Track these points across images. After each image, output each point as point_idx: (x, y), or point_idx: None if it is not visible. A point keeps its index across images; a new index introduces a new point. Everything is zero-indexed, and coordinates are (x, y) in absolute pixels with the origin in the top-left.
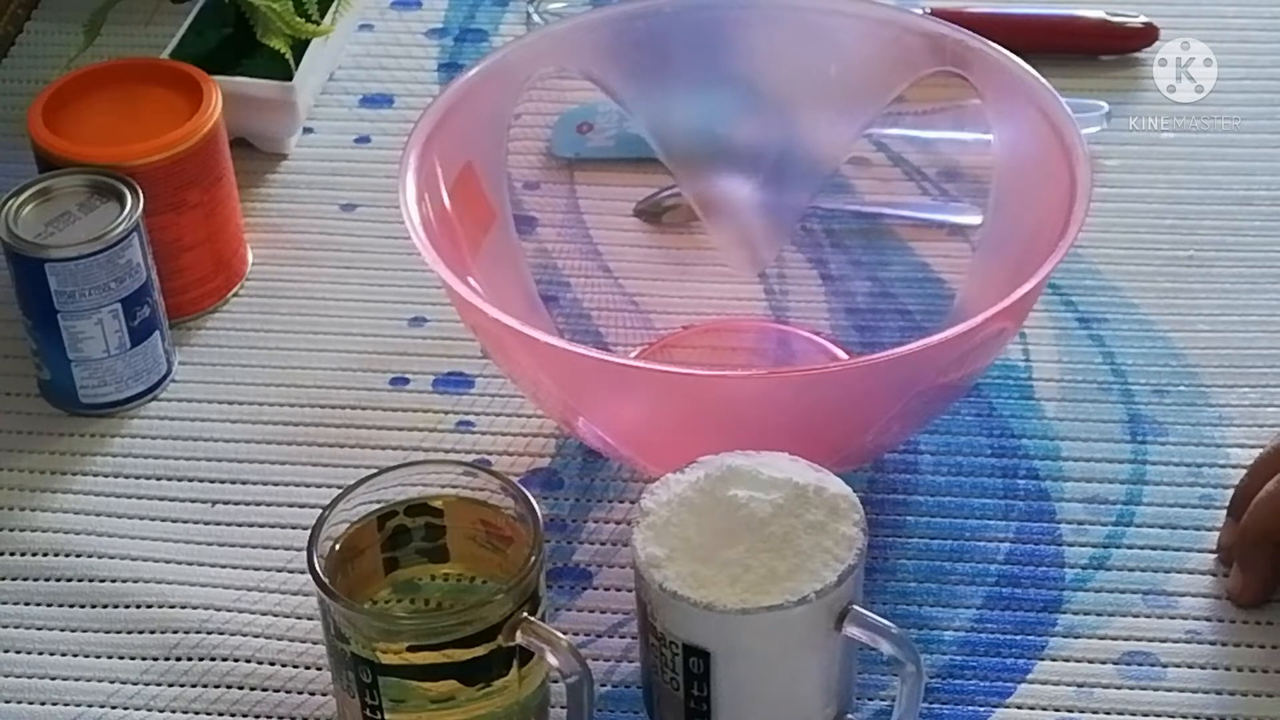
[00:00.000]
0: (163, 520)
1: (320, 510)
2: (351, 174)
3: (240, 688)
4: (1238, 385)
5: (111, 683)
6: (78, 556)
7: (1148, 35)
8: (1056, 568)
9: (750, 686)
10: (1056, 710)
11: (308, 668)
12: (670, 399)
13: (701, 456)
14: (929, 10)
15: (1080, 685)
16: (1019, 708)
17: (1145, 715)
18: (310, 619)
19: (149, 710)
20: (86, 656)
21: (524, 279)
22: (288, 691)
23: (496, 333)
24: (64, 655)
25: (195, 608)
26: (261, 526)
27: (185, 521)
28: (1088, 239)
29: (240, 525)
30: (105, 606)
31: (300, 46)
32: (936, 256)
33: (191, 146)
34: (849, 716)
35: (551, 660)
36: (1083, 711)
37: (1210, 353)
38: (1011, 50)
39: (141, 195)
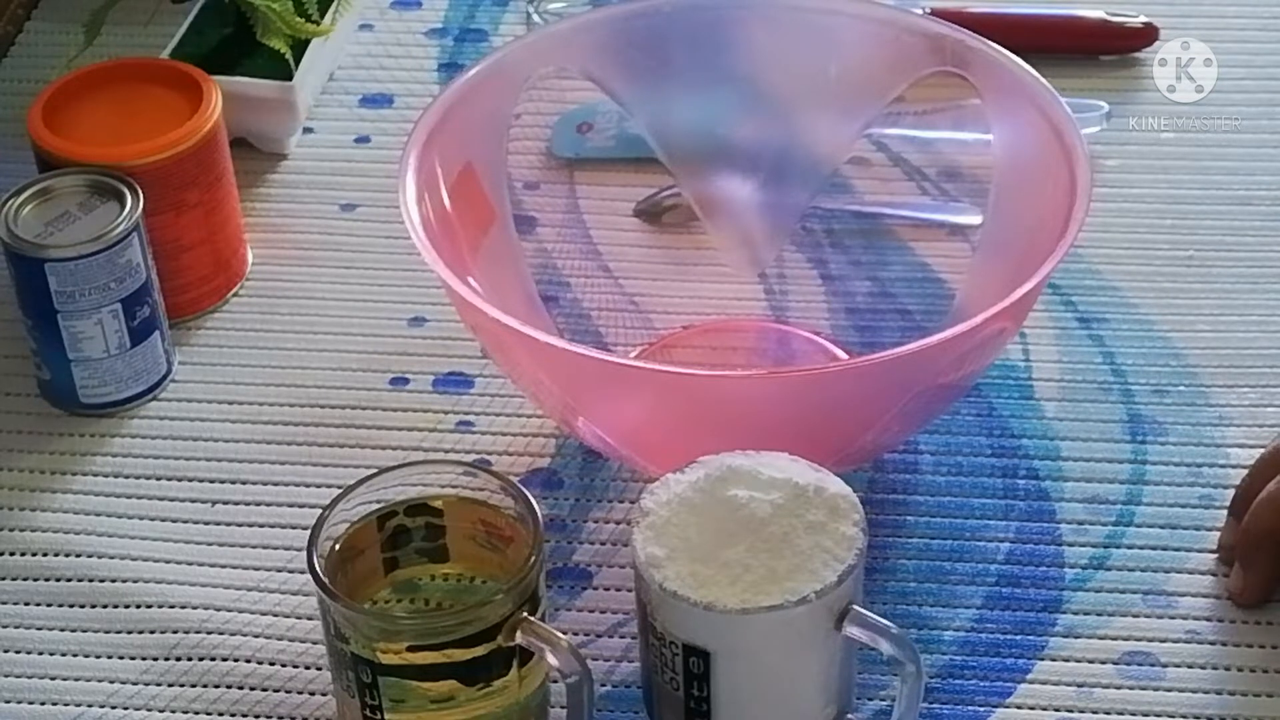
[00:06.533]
0: (163, 520)
1: (320, 510)
2: (351, 174)
3: (240, 688)
4: (1238, 385)
5: (111, 683)
6: (78, 556)
7: (1148, 35)
8: (1056, 568)
9: (750, 686)
10: (1056, 710)
11: (308, 668)
12: (670, 399)
13: (701, 456)
14: (929, 10)
15: (1080, 685)
16: (1019, 708)
17: (1145, 715)
18: (310, 619)
19: (149, 710)
20: (86, 656)
21: (524, 279)
22: (288, 691)
23: (496, 333)
24: (64, 655)
25: (195, 608)
26: (261, 526)
27: (185, 521)
28: (1088, 239)
29: (240, 525)
30: (105, 606)
31: (300, 46)
32: (936, 256)
33: (191, 146)
34: (849, 716)
35: (551, 660)
36: (1083, 711)
37: (1210, 353)
38: (1011, 50)
39: (141, 195)
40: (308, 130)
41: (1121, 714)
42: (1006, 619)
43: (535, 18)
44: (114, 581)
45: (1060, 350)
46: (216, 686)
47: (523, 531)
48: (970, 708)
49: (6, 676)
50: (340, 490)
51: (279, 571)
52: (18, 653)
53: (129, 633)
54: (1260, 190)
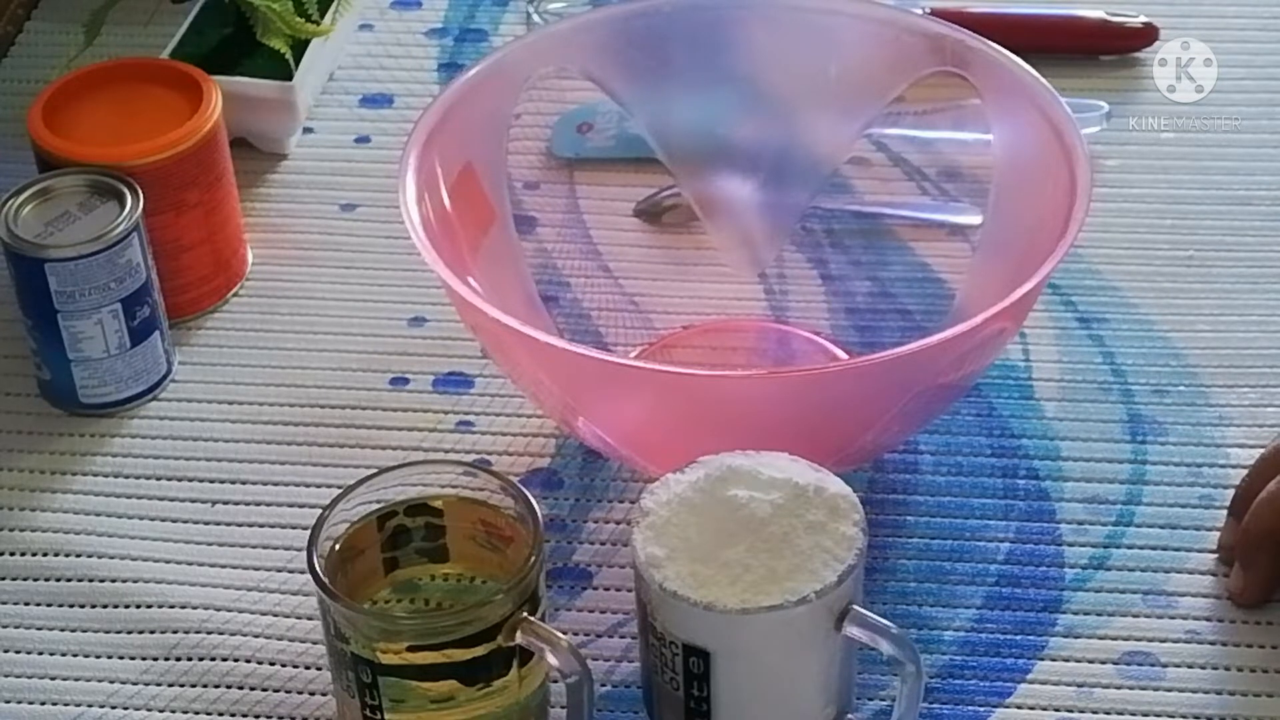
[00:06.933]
0: (163, 520)
1: (320, 510)
2: (351, 174)
3: (240, 688)
4: (1238, 385)
5: (111, 683)
6: (78, 556)
7: (1148, 35)
8: (1056, 568)
9: (750, 686)
10: (1056, 710)
11: (308, 668)
12: (670, 399)
13: (701, 456)
14: (929, 10)
15: (1080, 685)
16: (1019, 708)
17: (1145, 715)
18: (310, 619)
19: (149, 710)
20: (86, 656)
21: (524, 279)
22: (288, 691)
23: (496, 333)
24: (64, 655)
25: (195, 608)
26: (261, 526)
27: (185, 521)
28: (1088, 239)
29: (240, 525)
30: (105, 606)
31: (300, 46)
32: (936, 256)
33: (191, 146)
34: (849, 716)
35: (551, 660)
36: (1083, 711)
37: (1210, 353)
38: (1011, 50)
39: (141, 195)
40: (308, 130)
41: (1121, 714)
42: (1006, 619)
43: (535, 18)
44: (114, 581)
45: (1060, 350)
46: (216, 686)
47: (523, 531)
48: (970, 708)
49: (6, 676)
50: (340, 490)
51: (279, 571)
52: (18, 653)
53: (129, 633)
54: (1260, 190)
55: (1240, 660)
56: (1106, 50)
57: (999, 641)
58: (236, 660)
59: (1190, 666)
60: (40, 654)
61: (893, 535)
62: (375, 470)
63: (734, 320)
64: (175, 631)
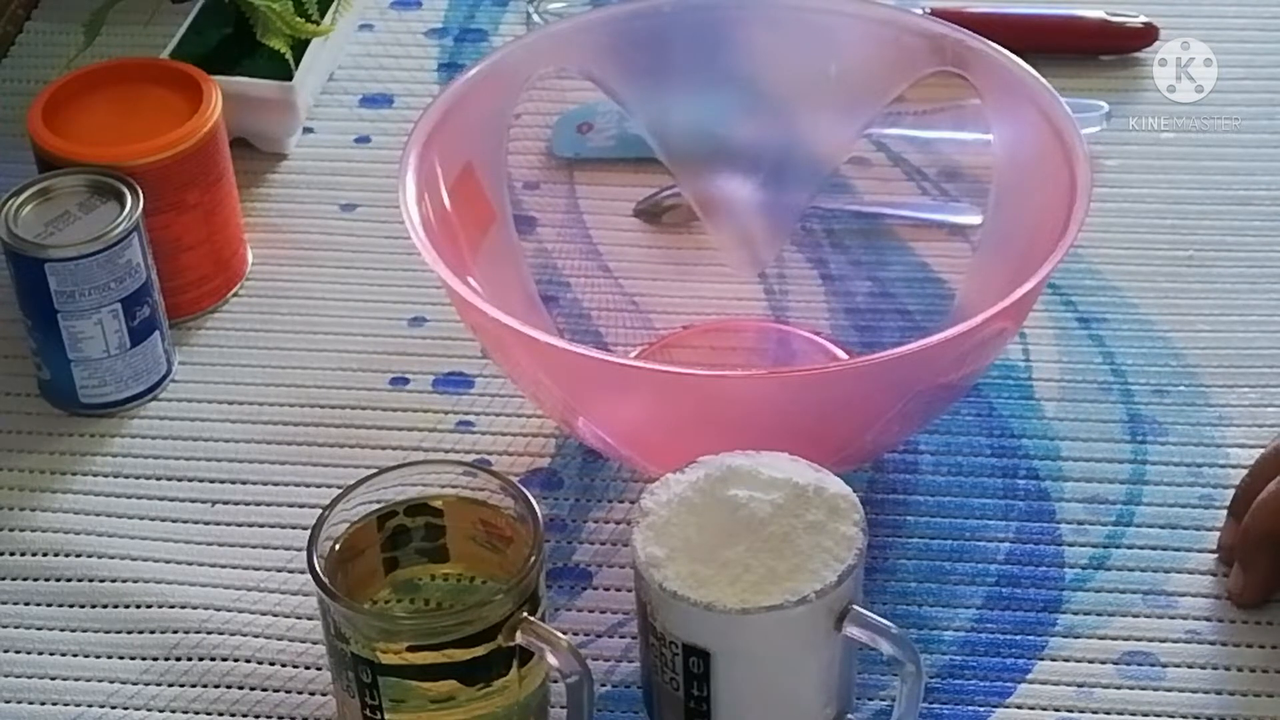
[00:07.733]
0: (163, 520)
1: (320, 510)
2: (351, 174)
3: (240, 688)
4: (1238, 385)
5: (111, 683)
6: (78, 556)
7: (1148, 35)
8: (1056, 568)
9: (750, 686)
10: (1056, 710)
11: (308, 668)
12: (670, 399)
13: (701, 456)
14: (929, 10)
15: (1080, 685)
16: (1019, 708)
17: (1145, 715)
18: (310, 619)
19: (149, 710)
20: (86, 656)
21: (524, 279)
22: (288, 691)
23: (496, 333)
24: (64, 655)
25: (195, 608)
26: (261, 526)
27: (185, 521)
28: (1088, 239)
29: (240, 525)
30: (105, 606)
31: (300, 46)
32: (936, 256)
33: (191, 146)
34: (849, 716)
35: (551, 660)
36: (1083, 711)
37: (1210, 353)
38: (1011, 50)
39: (141, 195)
40: (308, 130)
41: (1121, 714)
42: (1006, 619)
43: (535, 18)
44: (114, 581)
45: (1060, 350)
46: (216, 686)
47: (523, 531)
48: (970, 708)
49: (6, 676)
50: (340, 490)
51: (279, 571)
52: (18, 653)
53: (129, 633)
54: (1260, 190)
55: (1240, 660)
56: (1106, 50)
57: (999, 641)
58: (236, 660)
59: (1190, 666)
60: (40, 654)
61: (893, 535)
62: (375, 470)
63: (734, 320)
64: (175, 631)
